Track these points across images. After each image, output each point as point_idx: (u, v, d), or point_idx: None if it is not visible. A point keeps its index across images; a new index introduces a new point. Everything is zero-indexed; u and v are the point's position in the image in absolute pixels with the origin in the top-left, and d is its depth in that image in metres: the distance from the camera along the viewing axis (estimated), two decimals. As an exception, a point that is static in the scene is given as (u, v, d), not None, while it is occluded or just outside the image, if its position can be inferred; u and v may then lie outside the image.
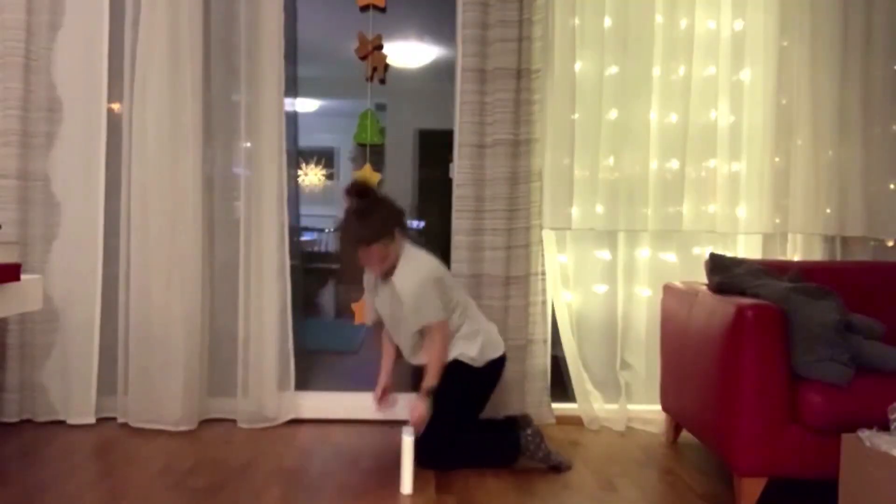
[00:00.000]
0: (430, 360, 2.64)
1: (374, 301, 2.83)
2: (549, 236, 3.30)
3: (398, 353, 2.88)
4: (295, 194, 3.48)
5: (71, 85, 3.11)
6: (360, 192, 2.59)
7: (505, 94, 3.12)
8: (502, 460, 2.71)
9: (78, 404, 3.10)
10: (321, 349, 3.61)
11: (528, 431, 2.68)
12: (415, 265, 2.66)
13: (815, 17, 3.23)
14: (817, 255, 3.32)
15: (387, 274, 2.67)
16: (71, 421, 3.10)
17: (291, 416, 3.23)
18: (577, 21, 3.24)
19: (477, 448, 2.71)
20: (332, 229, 3.68)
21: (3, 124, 3.00)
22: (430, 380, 2.61)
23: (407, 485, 2.43)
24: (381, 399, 2.83)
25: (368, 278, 2.84)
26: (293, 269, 3.26)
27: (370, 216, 2.55)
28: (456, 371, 2.68)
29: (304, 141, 3.50)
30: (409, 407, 2.62)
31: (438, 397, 2.63)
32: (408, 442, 2.43)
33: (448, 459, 2.67)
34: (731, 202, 3.27)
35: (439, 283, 2.65)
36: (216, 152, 3.26)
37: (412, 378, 2.83)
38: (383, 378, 2.86)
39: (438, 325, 2.64)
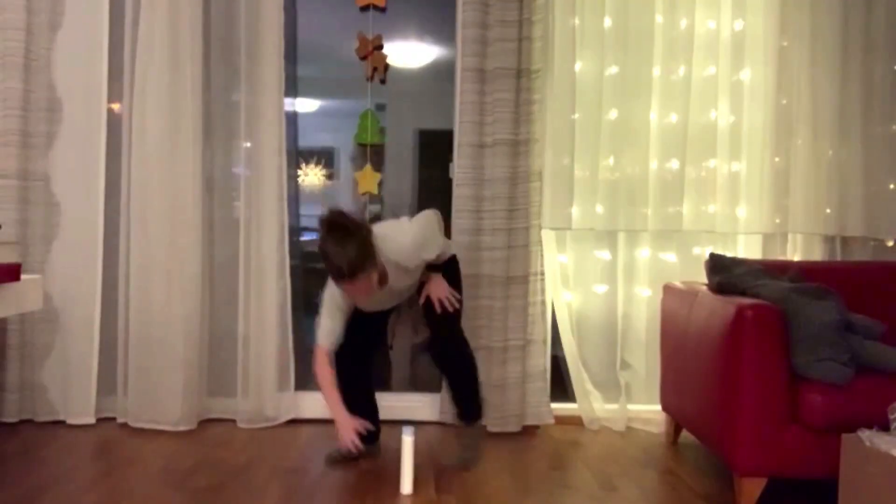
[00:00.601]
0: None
1: (348, 318, 2.56)
2: (548, 236, 3.30)
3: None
4: (295, 194, 3.48)
5: (71, 85, 3.11)
6: (331, 224, 2.29)
7: (505, 94, 3.12)
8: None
9: (78, 404, 3.10)
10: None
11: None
12: (396, 247, 2.43)
13: (815, 17, 3.23)
14: (817, 255, 3.32)
15: (382, 283, 2.49)
16: (71, 421, 3.10)
17: (291, 416, 3.23)
18: (577, 21, 3.24)
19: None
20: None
21: (3, 124, 3.00)
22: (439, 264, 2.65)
23: (407, 485, 2.43)
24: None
25: (338, 302, 2.51)
26: (293, 268, 3.26)
27: (348, 246, 2.23)
28: (456, 263, 2.73)
29: (304, 141, 3.50)
30: (429, 287, 2.63)
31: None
32: (408, 442, 2.43)
33: (463, 356, 2.68)
34: (731, 202, 3.27)
35: (436, 223, 2.57)
36: (216, 152, 3.26)
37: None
38: (351, 418, 2.50)
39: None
